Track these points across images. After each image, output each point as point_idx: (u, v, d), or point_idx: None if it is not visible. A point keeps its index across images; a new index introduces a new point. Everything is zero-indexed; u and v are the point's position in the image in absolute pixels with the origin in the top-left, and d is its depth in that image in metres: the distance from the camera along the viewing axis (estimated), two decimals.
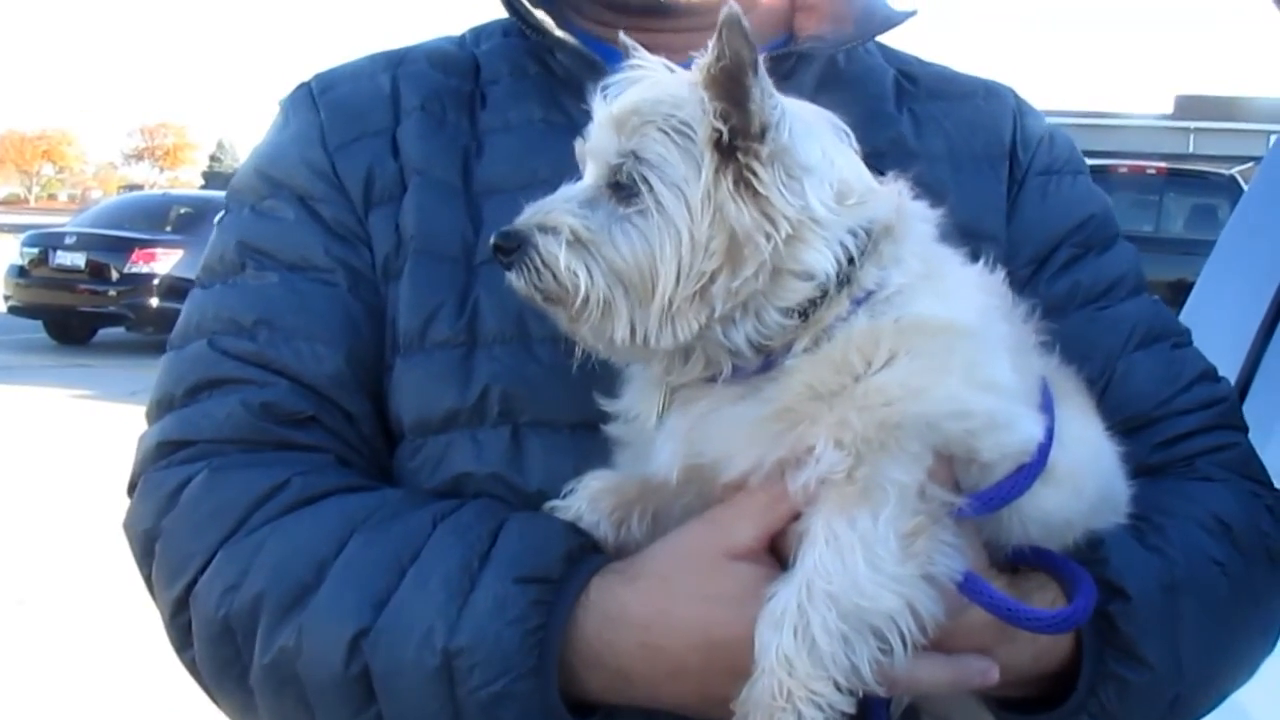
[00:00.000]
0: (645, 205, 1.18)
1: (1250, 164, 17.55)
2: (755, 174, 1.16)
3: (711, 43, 1.15)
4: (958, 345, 1.20)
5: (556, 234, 1.20)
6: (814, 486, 1.15)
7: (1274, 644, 1.45)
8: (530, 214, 1.22)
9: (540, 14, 1.50)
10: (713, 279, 1.17)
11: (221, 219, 1.53)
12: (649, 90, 1.21)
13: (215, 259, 1.48)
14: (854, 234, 1.20)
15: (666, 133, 1.18)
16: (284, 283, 1.42)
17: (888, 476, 1.15)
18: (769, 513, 1.20)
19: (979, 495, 1.21)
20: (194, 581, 1.29)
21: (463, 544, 1.24)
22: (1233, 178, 16.58)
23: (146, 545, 1.35)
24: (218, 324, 1.42)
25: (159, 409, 1.42)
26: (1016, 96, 1.64)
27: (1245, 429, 1.55)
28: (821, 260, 1.18)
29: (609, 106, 1.22)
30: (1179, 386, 1.49)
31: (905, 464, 1.16)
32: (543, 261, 1.20)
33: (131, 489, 1.40)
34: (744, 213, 1.16)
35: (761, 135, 1.16)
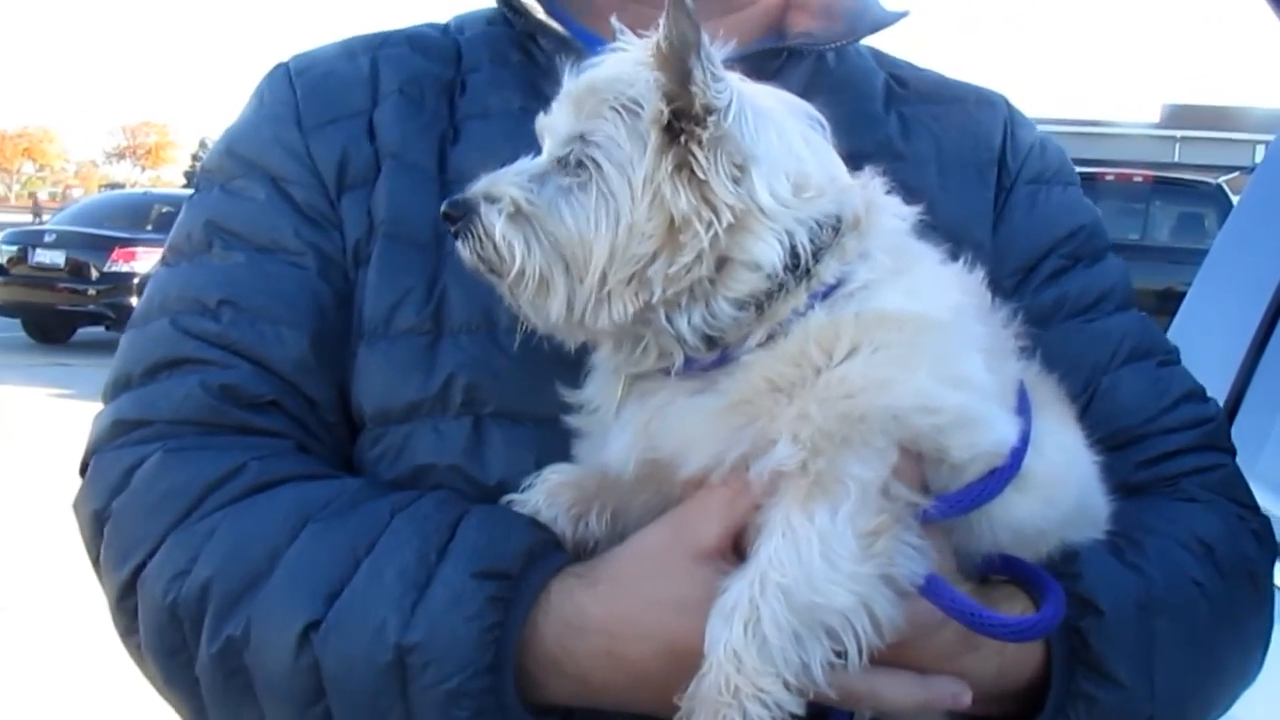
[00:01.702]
0: (585, 183, 1.17)
1: (1236, 173, 17.61)
2: (695, 159, 1.14)
3: (661, 20, 1.13)
4: (925, 338, 1.16)
5: (498, 205, 1.19)
6: (767, 478, 1.12)
7: (1256, 671, 1.42)
8: (480, 183, 1.21)
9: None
10: (651, 262, 1.15)
11: (191, 197, 1.50)
12: (608, 68, 1.20)
13: (182, 237, 1.45)
14: (809, 227, 1.17)
15: (618, 110, 1.17)
16: (251, 264, 1.39)
17: (848, 471, 1.11)
18: (731, 509, 1.16)
19: (947, 497, 1.17)
20: (142, 565, 1.26)
21: (420, 536, 1.20)
22: (1219, 187, 16.66)
23: (95, 526, 1.31)
24: (181, 303, 1.38)
25: (116, 387, 1.38)
26: (1009, 104, 1.62)
27: (1232, 451, 1.52)
28: (768, 251, 1.15)
29: (572, 83, 1.22)
30: (1165, 404, 1.47)
31: (868, 459, 1.12)
32: (484, 231, 1.19)
33: (84, 469, 1.37)
34: (681, 197, 1.14)
35: (703, 119, 1.14)
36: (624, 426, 1.21)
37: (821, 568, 1.09)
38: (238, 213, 1.42)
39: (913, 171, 1.40)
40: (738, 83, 1.18)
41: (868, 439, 1.12)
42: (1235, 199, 15.94)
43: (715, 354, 1.18)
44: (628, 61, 1.19)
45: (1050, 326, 1.44)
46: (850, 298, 1.17)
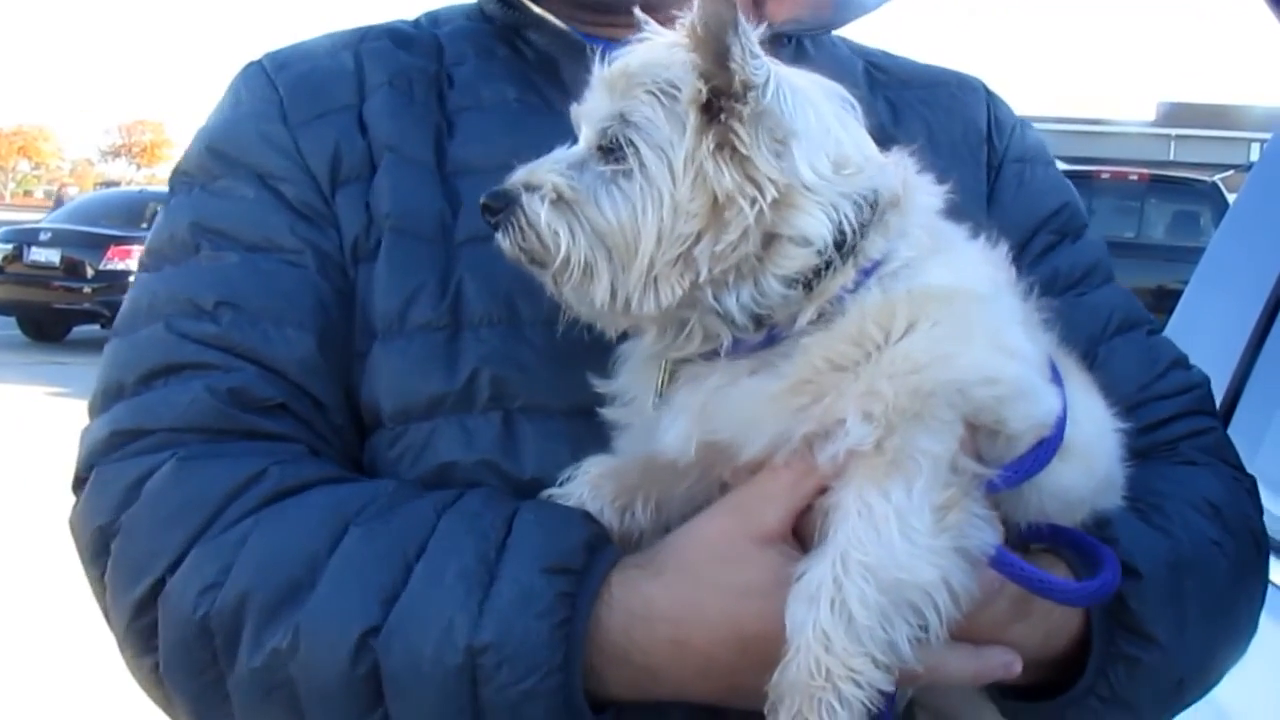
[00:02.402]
0: (630, 166, 1.16)
1: (1231, 171, 17.61)
2: (737, 135, 1.13)
3: (696, 1, 1.12)
4: (976, 312, 1.17)
5: (540, 193, 1.17)
6: (842, 459, 1.11)
7: (1256, 628, 1.47)
8: (519, 174, 1.19)
9: None
10: (696, 242, 1.14)
11: (166, 202, 1.45)
12: (642, 53, 1.19)
13: (163, 241, 1.40)
14: (854, 202, 1.17)
15: (655, 94, 1.16)
16: (245, 263, 1.35)
17: (919, 447, 1.11)
18: (795, 491, 1.15)
19: (1007, 467, 1.18)
20: (162, 581, 1.21)
21: (475, 534, 1.18)
22: (1215, 185, 16.68)
23: (99, 543, 1.25)
24: (173, 306, 1.33)
25: (107, 398, 1.32)
26: (985, 86, 1.65)
27: (1218, 414, 1.58)
28: (817, 225, 1.15)
29: (603, 69, 1.20)
30: (1157, 372, 1.52)
31: (938, 433, 1.13)
32: (527, 220, 1.17)
33: (78, 485, 1.31)
34: (725, 174, 1.13)
35: (743, 96, 1.14)
36: (678, 412, 1.19)
37: (902, 544, 1.09)
38: (225, 212, 1.38)
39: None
40: (772, 62, 1.17)
41: (937, 413, 1.12)
42: (1231, 197, 15.96)
43: (763, 334, 1.17)
44: (660, 46, 1.19)
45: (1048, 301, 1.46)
46: (896, 275, 1.17)
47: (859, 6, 1.56)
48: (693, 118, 1.14)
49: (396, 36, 1.51)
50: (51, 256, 17.62)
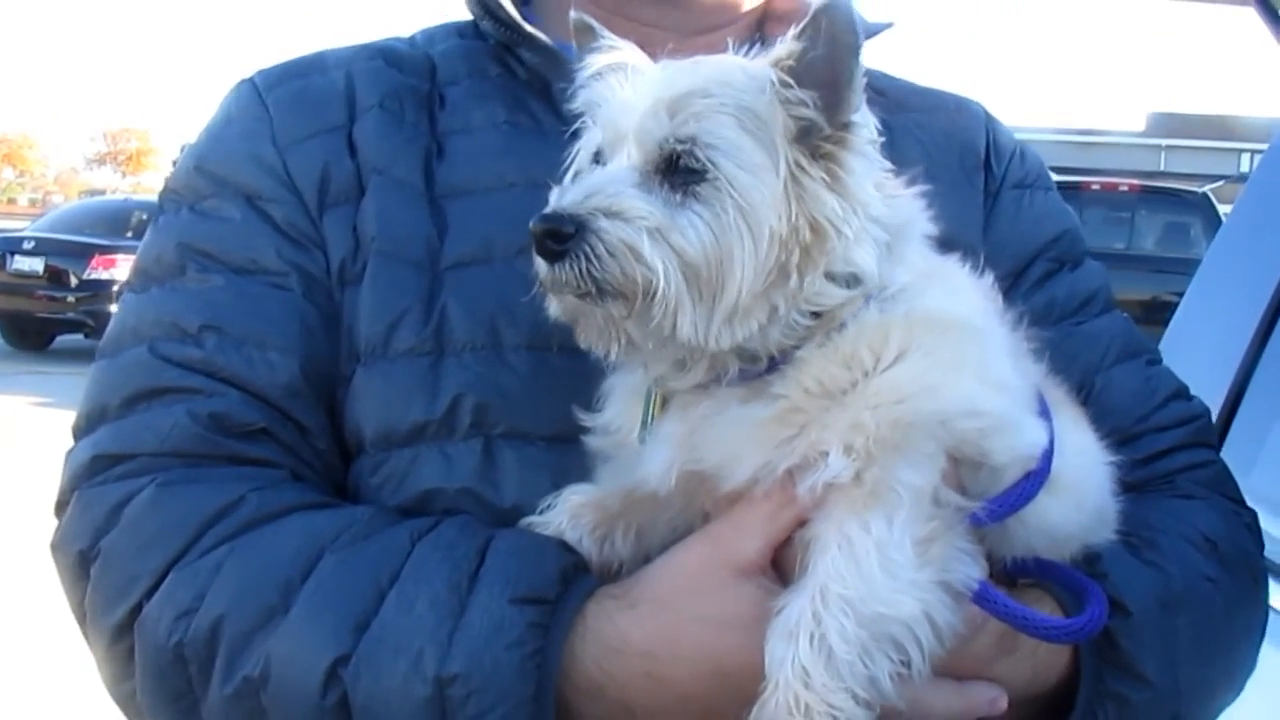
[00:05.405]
0: (710, 193, 1.10)
1: (1221, 182, 17.64)
2: (840, 162, 1.12)
3: (801, 28, 1.11)
4: (968, 343, 1.16)
5: (627, 220, 1.09)
6: (820, 491, 1.10)
7: (1254, 665, 1.45)
8: (581, 197, 1.11)
9: (511, 10, 1.45)
10: (783, 273, 1.10)
11: (155, 221, 1.44)
12: (706, 73, 1.14)
13: (150, 261, 1.39)
14: (884, 229, 1.16)
15: (734, 116, 1.11)
16: (231, 286, 1.34)
17: (900, 479, 1.10)
18: (773, 522, 1.14)
19: (991, 501, 1.16)
20: (139, 606, 1.20)
21: (448, 563, 1.16)
22: (1205, 196, 16.76)
23: (80, 567, 1.25)
24: (157, 329, 1.33)
25: (91, 420, 1.32)
26: (985, 110, 1.65)
27: (1218, 447, 1.57)
28: (866, 258, 1.13)
29: (654, 89, 1.14)
30: (1155, 403, 1.50)
31: (919, 465, 1.11)
32: (608, 250, 1.09)
33: (61, 508, 1.30)
34: (827, 203, 1.11)
35: (847, 125, 1.12)
36: (662, 440, 1.17)
37: (882, 578, 1.07)
38: (212, 234, 1.37)
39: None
40: None
41: (918, 444, 1.11)
42: (1222, 208, 15.98)
43: (764, 363, 1.15)
44: (728, 67, 1.15)
45: (1042, 330, 1.43)
46: (896, 299, 1.16)
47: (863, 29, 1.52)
48: (789, 146, 1.11)
49: (389, 55, 1.50)
50: (35, 265, 17.53)
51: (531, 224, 1.11)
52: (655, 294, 1.09)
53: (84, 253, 17.33)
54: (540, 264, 1.12)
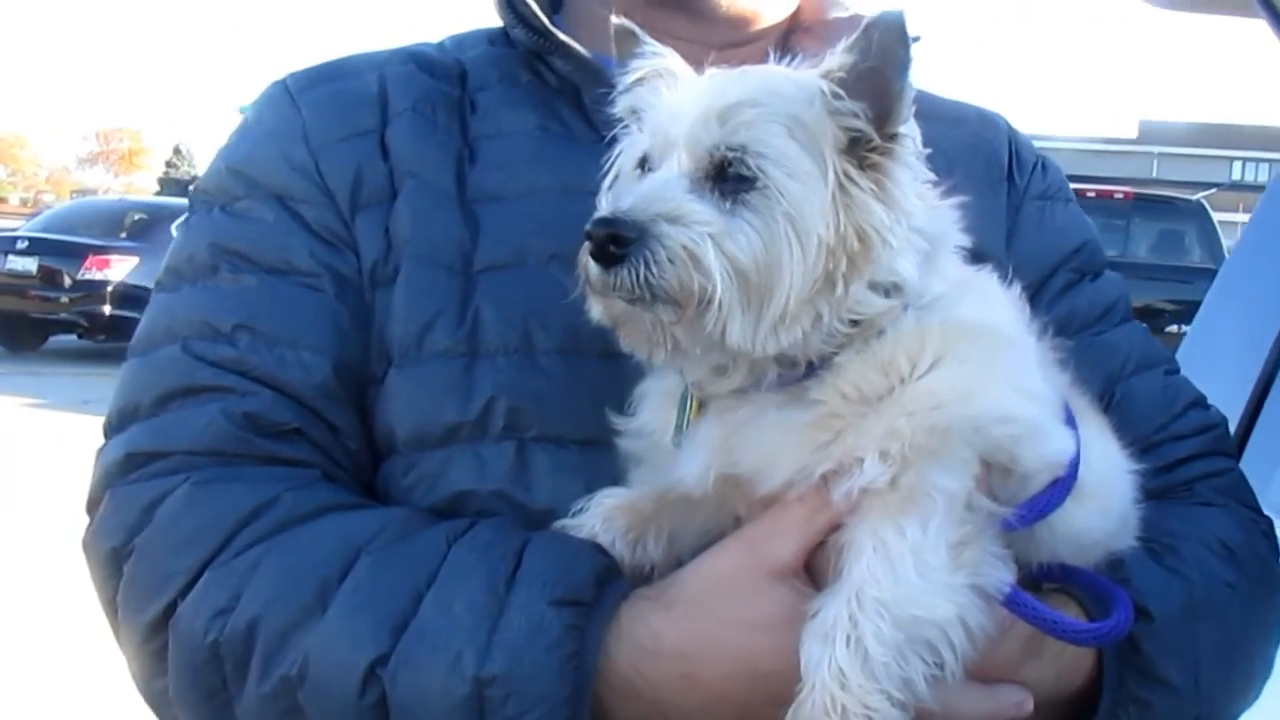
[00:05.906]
0: (761, 201, 1.11)
1: (1214, 190, 17.68)
2: (888, 173, 1.13)
3: (852, 41, 1.12)
4: (1000, 351, 1.18)
5: (688, 226, 1.09)
6: (855, 495, 1.11)
7: (1272, 669, 1.47)
8: (642, 202, 1.11)
9: (543, 18, 1.46)
10: (829, 283, 1.11)
11: (186, 220, 1.44)
12: (755, 83, 1.15)
13: (182, 260, 1.39)
14: (925, 239, 1.17)
15: (786, 127, 1.12)
16: (264, 286, 1.35)
17: (934, 484, 1.11)
18: (808, 526, 1.15)
19: (1021, 506, 1.18)
20: (173, 604, 1.21)
21: (485, 565, 1.17)
22: (1199, 203, 16.80)
23: (113, 565, 1.25)
24: (190, 328, 1.33)
25: (123, 419, 1.32)
26: (1007, 123, 1.67)
27: (1235, 455, 1.59)
28: (909, 268, 1.15)
29: (704, 96, 1.15)
30: (1174, 412, 1.52)
31: (953, 470, 1.12)
32: (669, 256, 1.09)
33: (93, 505, 1.30)
34: (874, 212, 1.12)
35: (894, 136, 1.13)
36: (699, 444, 1.18)
37: (918, 581, 1.09)
38: (245, 234, 1.37)
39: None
40: None
41: (953, 450, 1.12)
42: (1216, 216, 16.01)
43: (802, 369, 1.16)
44: (777, 77, 1.16)
45: (1064, 340, 1.45)
46: (932, 308, 1.17)
47: None
48: (838, 156, 1.12)
49: (421, 60, 1.51)
50: (28, 265, 17.46)
51: (589, 226, 1.10)
52: (710, 300, 1.09)
53: (78, 253, 17.27)
54: (592, 267, 1.11)
